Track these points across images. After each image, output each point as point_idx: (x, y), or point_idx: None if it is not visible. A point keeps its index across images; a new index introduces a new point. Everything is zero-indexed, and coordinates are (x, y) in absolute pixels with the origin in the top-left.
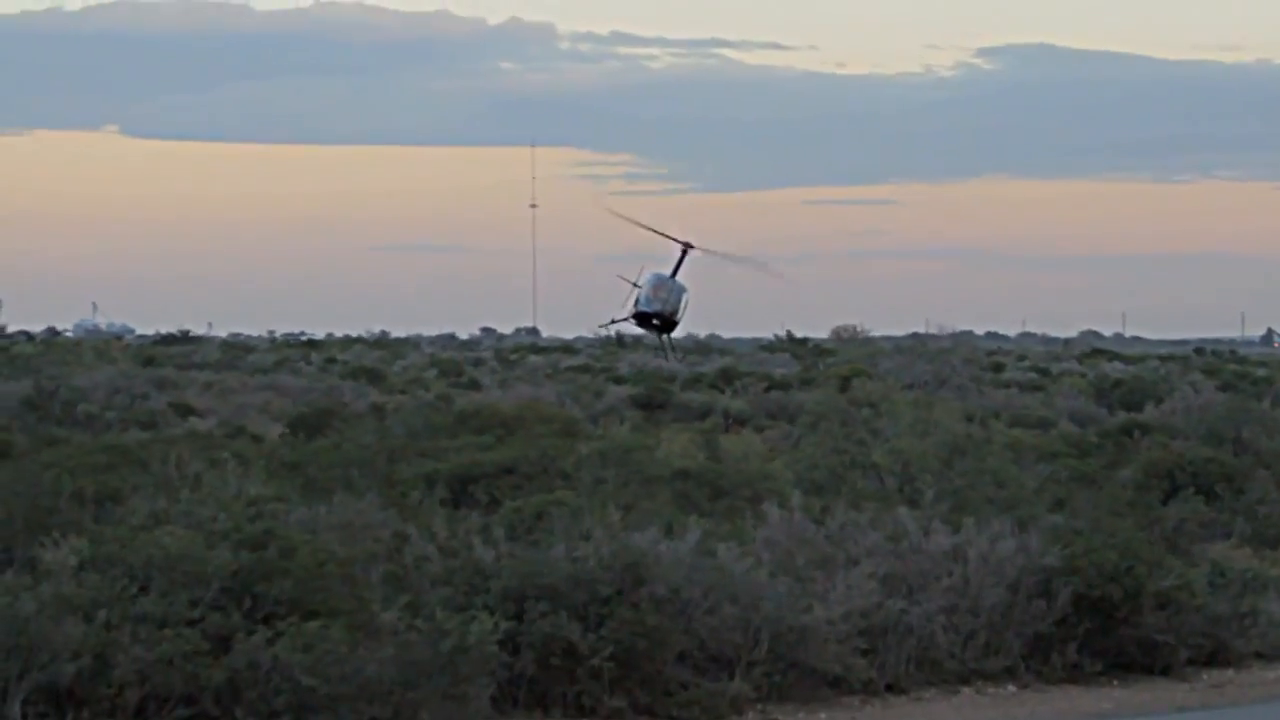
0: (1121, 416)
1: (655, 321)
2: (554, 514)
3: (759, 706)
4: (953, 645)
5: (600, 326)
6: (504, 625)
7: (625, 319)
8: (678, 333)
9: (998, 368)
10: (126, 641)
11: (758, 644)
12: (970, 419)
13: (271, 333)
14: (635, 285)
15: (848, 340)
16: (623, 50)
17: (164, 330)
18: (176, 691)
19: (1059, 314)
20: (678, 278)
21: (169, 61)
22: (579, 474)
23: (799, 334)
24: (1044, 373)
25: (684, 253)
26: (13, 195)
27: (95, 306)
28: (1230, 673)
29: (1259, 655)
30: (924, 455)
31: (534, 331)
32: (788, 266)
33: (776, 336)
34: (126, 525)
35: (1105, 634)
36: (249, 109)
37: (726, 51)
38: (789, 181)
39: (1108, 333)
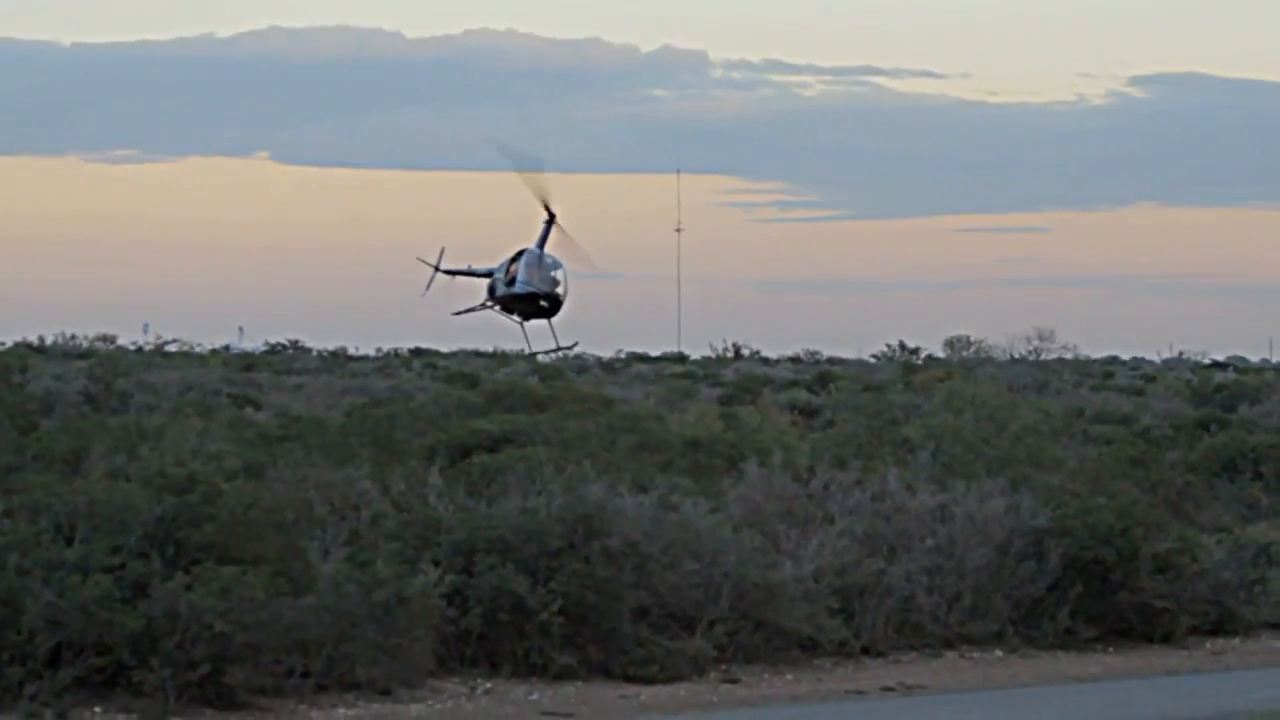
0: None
1: (543, 304)
2: (508, 470)
3: (722, 667)
4: (936, 608)
5: (455, 314)
6: (452, 580)
7: (488, 304)
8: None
9: (1108, 375)
10: (37, 588)
11: (719, 600)
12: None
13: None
14: (436, 268)
15: (960, 350)
16: (775, 78)
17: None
18: (90, 639)
19: (1207, 340)
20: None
21: (320, 88)
22: (584, 442)
23: (912, 345)
24: (1152, 379)
25: (550, 222)
26: (167, 222)
27: (241, 330)
28: (1236, 641)
29: (1272, 625)
30: (958, 429)
31: (681, 357)
32: (939, 293)
33: (889, 346)
34: (84, 479)
35: (1100, 599)
36: (399, 136)
37: (879, 79)
38: (940, 209)
39: (1255, 359)
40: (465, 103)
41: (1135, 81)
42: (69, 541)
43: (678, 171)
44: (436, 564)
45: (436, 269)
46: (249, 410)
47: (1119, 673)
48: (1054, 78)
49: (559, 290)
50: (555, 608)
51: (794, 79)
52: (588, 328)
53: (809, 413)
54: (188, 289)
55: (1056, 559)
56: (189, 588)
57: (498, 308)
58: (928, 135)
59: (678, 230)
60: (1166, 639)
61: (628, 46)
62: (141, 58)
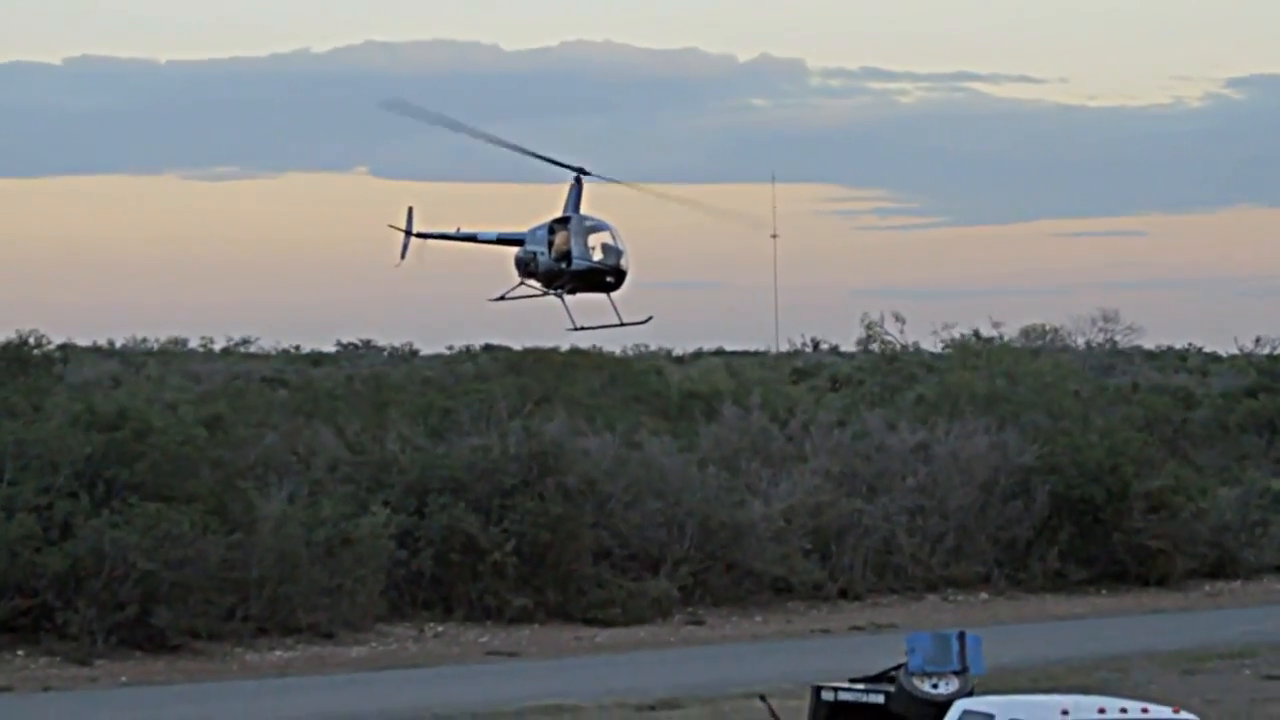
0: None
1: (609, 280)
2: (462, 409)
3: (688, 609)
4: (917, 549)
5: (492, 300)
6: (403, 520)
7: (527, 283)
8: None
9: (1182, 358)
10: None
11: (684, 540)
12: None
13: None
14: (407, 232)
15: (1034, 338)
16: (873, 85)
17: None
18: (13, 581)
19: None
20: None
21: (417, 102)
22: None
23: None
24: (1218, 360)
25: (579, 181)
26: (267, 238)
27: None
28: (1236, 584)
29: (1277, 569)
30: (965, 384)
31: (757, 353)
32: (1038, 297)
33: (961, 335)
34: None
35: (1091, 540)
36: (497, 149)
37: (976, 85)
38: (1039, 214)
39: None
40: (563, 115)
41: (1232, 83)
42: None
43: (772, 178)
44: (388, 505)
45: (408, 233)
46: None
47: (1106, 613)
48: (1151, 81)
49: (624, 263)
50: (509, 548)
51: (892, 86)
52: (685, 330)
53: (840, 382)
54: (287, 304)
55: (1044, 498)
56: (114, 525)
57: (538, 284)
58: (1026, 140)
59: (773, 236)
60: (1162, 582)
61: (725, 56)
62: (238, 74)
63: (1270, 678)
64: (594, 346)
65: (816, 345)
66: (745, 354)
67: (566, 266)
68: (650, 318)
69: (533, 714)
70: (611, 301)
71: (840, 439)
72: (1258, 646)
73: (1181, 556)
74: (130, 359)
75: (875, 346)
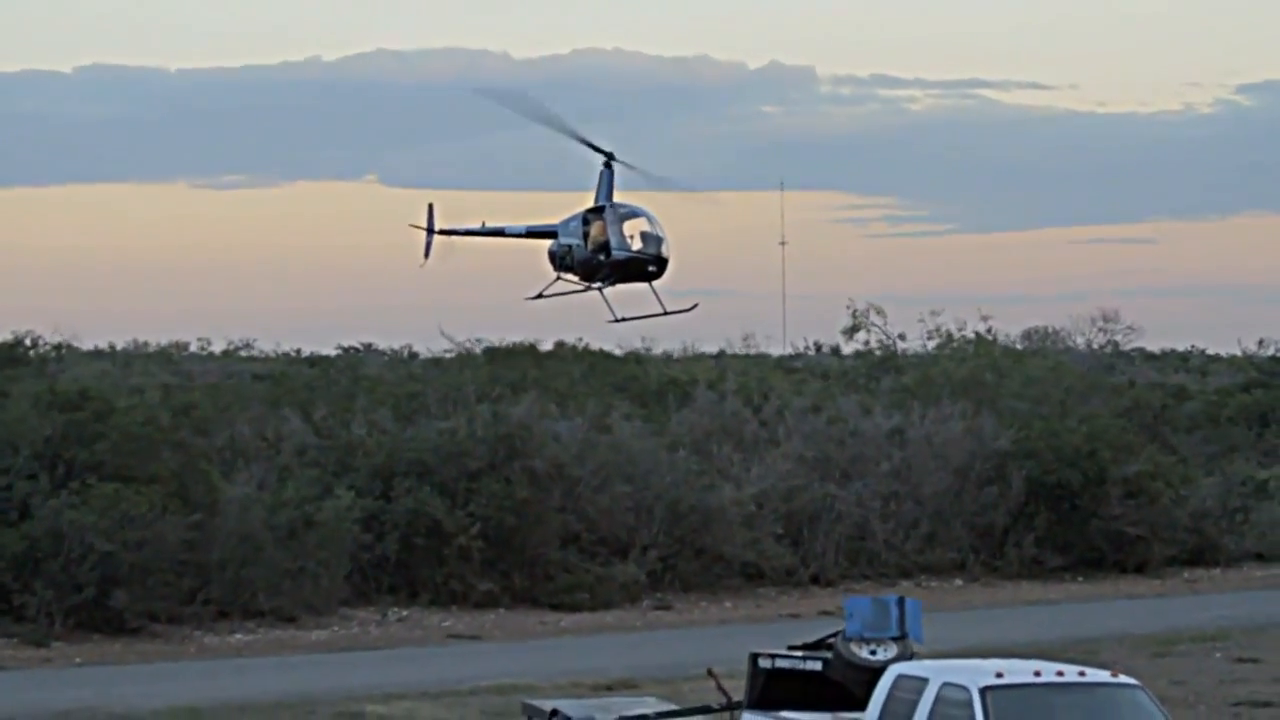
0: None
1: (651, 269)
2: (428, 393)
3: (656, 595)
4: (891, 535)
5: (529, 299)
6: (369, 504)
7: (563, 277)
8: None
9: (1184, 359)
10: None
11: (653, 525)
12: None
13: None
14: (430, 230)
15: (1037, 340)
16: (883, 92)
17: None
18: None
19: None
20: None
21: (427, 110)
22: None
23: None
24: (1217, 359)
25: (609, 166)
26: (277, 245)
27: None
28: (1216, 572)
29: (1260, 557)
30: (946, 372)
31: (759, 355)
32: (1049, 305)
33: (948, 329)
34: None
35: (1068, 526)
36: (508, 157)
37: (986, 92)
38: (1049, 221)
39: None
40: (574, 122)
41: (1243, 89)
42: None
43: (780, 185)
44: (354, 489)
45: (430, 231)
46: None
47: (1081, 599)
48: (1162, 87)
49: (665, 250)
50: (474, 531)
51: (901, 93)
52: (692, 335)
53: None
54: (293, 310)
55: (1020, 483)
56: (72, 506)
57: (575, 277)
58: (1036, 147)
59: (782, 244)
60: (1141, 569)
61: (735, 63)
62: (248, 83)
63: (1242, 660)
64: (579, 340)
65: (819, 348)
66: (744, 356)
67: (605, 258)
68: (696, 305)
69: (485, 693)
70: (654, 290)
71: (815, 424)
72: (1231, 630)
73: (1160, 543)
74: (125, 359)
75: (863, 336)
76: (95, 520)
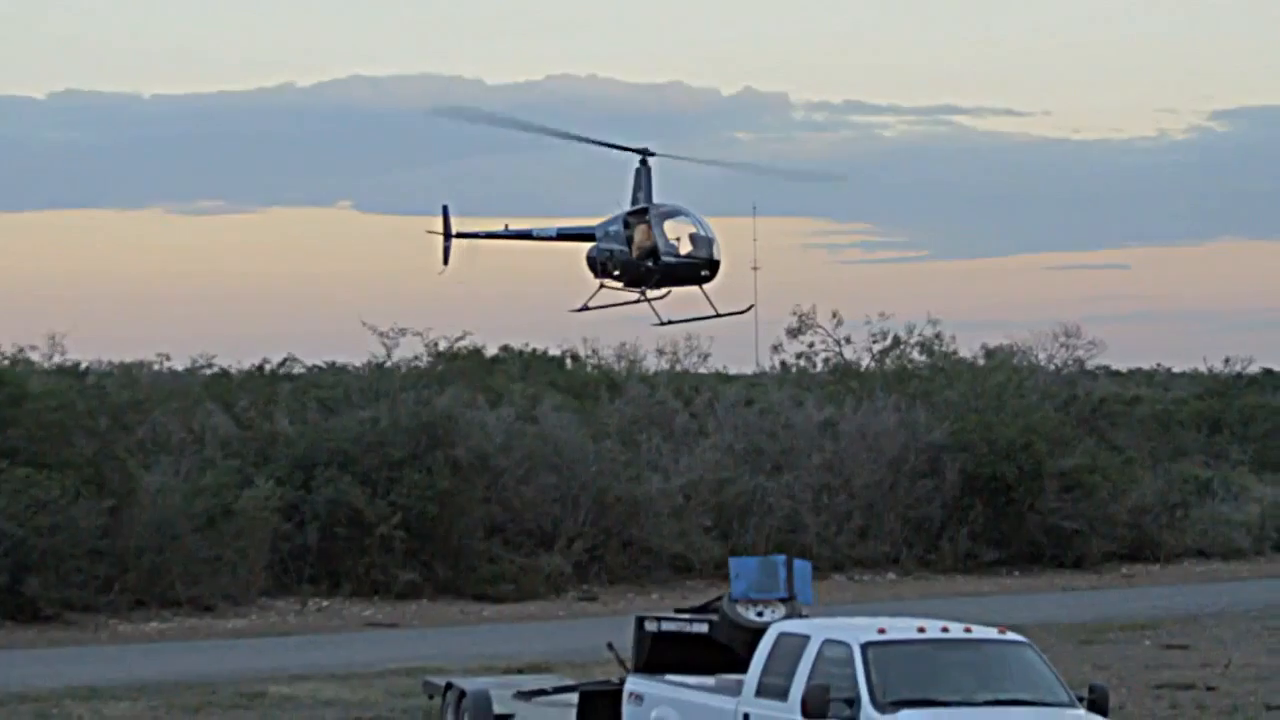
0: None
1: (704, 273)
2: (350, 382)
3: (582, 586)
4: (823, 528)
5: (575, 310)
6: (289, 494)
7: (607, 285)
8: None
9: (1150, 376)
10: None
11: (578, 516)
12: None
13: None
14: (447, 234)
15: (998, 356)
16: (857, 118)
17: None
18: None
19: None
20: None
21: (402, 136)
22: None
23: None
24: (1179, 375)
25: (645, 163)
26: (251, 272)
27: None
28: (1155, 567)
29: (1201, 553)
30: (928, 379)
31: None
32: (1024, 331)
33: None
34: None
35: (1004, 520)
36: (482, 183)
37: (960, 118)
38: (1023, 247)
39: None
40: (549, 149)
41: (1217, 115)
42: None
43: (753, 210)
44: (275, 479)
45: (448, 235)
46: None
47: (1015, 592)
48: (1136, 113)
49: (716, 252)
50: (395, 521)
51: (875, 119)
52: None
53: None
54: (271, 335)
55: (954, 476)
56: None
57: (619, 284)
58: (1010, 174)
59: (754, 269)
60: (1079, 564)
61: (709, 89)
62: (223, 108)
63: (1171, 647)
64: (526, 344)
65: (785, 366)
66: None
67: (654, 264)
68: (752, 305)
69: (393, 675)
70: (705, 294)
71: (746, 416)
72: (1162, 620)
73: (1098, 538)
74: (90, 375)
75: (808, 336)
76: (5, 505)
